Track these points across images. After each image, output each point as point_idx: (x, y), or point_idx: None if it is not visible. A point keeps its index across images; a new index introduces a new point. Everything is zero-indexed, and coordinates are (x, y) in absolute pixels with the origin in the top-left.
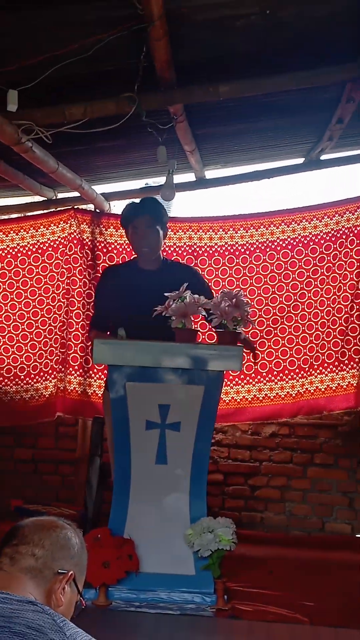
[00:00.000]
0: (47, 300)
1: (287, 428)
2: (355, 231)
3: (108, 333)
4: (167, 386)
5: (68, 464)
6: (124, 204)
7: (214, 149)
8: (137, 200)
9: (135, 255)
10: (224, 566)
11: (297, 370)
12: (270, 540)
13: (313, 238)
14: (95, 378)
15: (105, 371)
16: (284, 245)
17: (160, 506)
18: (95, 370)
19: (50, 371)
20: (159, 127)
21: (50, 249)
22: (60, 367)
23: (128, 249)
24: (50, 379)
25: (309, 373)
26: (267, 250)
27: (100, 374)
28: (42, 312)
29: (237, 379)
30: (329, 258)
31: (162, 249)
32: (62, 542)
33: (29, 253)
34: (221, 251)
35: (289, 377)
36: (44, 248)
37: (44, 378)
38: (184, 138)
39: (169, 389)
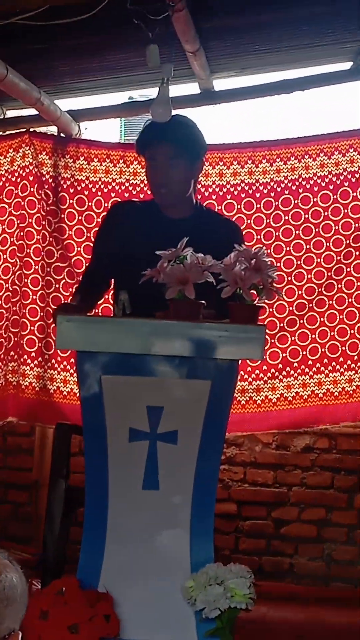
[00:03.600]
0: None
1: (327, 440)
2: None
3: (101, 301)
4: (159, 381)
5: (21, 488)
6: (99, 126)
7: (225, 50)
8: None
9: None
10: (238, 632)
11: (340, 360)
12: (302, 596)
13: None
14: (59, 369)
15: (73, 360)
16: (323, 184)
17: (150, 548)
18: (59, 358)
19: None
20: (150, 17)
21: None
22: (10, 354)
23: (107, 189)
24: None
25: (359, 364)
26: (300, 191)
27: (65, 363)
28: None
29: (257, 371)
30: None
31: (196, 191)
32: (8, 594)
33: None
34: (235, 192)
35: (329, 368)
36: None
37: None
38: (185, 33)
39: (161, 386)
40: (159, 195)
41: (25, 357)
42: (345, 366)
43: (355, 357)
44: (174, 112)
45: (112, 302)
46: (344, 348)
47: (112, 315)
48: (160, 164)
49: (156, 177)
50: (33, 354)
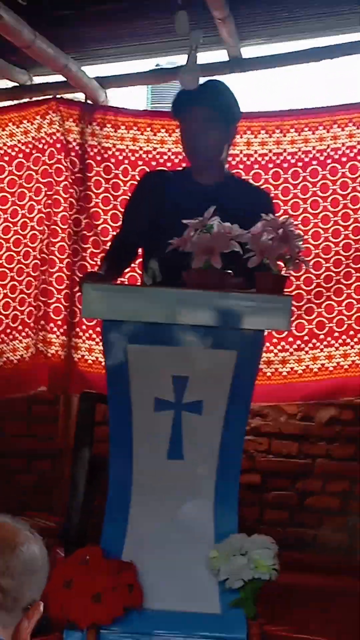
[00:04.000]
0: (15, 228)
1: (352, 412)
2: None
3: (128, 269)
4: (184, 351)
5: (45, 457)
6: (125, 93)
7: (254, 17)
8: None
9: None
10: (262, 602)
11: None
12: (326, 567)
13: None
14: (84, 338)
15: (99, 328)
16: (351, 155)
17: (174, 518)
18: (84, 326)
19: (22, 328)
20: None
21: (20, 155)
22: (37, 323)
23: (134, 157)
24: (21, 338)
25: None
26: (328, 161)
27: (91, 331)
28: (7, 245)
29: (283, 343)
30: None
31: (227, 157)
32: (30, 565)
33: None
34: (263, 162)
35: (355, 340)
36: (12, 154)
37: (11, 337)
38: (214, 0)
39: (187, 355)
40: (193, 158)
41: (52, 325)
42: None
43: None
44: (208, 78)
45: (139, 271)
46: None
47: (140, 283)
48: (195, 127)
49: (191, 140)
50: (59, 322)
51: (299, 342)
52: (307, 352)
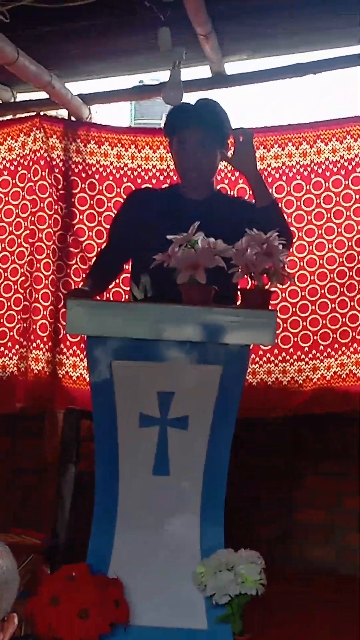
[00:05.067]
0: (3, 245)
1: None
2: None
3: (112, 285)
4: (169, 367)
5: (31, 473)
6: (110, 109)
7: (237, 33)
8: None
9: (178, 181)
10: (248, 617)
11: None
12: (312, 581)
13: None
14: (68, 354)
15: (83, 345)
16: (350, 167)
17: (160, 534)
18: (68, 343)
19: (8, 344)
20: (161, 0)
21: (6, 173)
22: (22, 339)
23: (119, 174)
24: (10, 355)
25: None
26: (327, 173)
27: (75, 347)
28: None
29: (269, 354)
30: None
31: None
32: (3, 578)
33: None
34: (264, 176)
35: (339, 352)
36: None
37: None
38: (196, 16)
39: (172, 371)
40: (187, 178)
41: (39, 341)
42: (351, 349)
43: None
44: (197, 95)
45: (123, 286)
46: (354, 334)
47: (125, 299)
48: (191, 148)
49: (187, 160)
50: (45, 339)
51: (284, 354)
52: (307, 363)
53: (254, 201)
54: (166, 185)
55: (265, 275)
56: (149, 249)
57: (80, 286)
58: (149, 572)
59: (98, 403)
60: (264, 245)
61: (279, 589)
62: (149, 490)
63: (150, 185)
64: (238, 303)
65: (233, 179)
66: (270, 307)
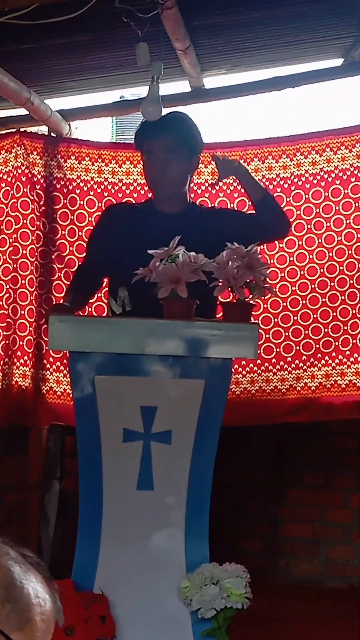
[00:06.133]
0: None
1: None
2: None
3: (94, 299)
4: (152, 381)
5: (15, 490)
6: (91, 125)
7: (215, 47)
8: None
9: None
10: (234, 631)
11: (333, 354)
12: (298, 594)
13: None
14: (51, 370)
15: (66, 360)
16: (345, 178)
17: (145, 549)
18: (51, 358)
19: None
20: (139, 15)
21: None
22: (5, 355)
23: (100, 189)
24: None
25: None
26: (323, 183)
27: (58, 363)
28: None
29: (252, 365)
30: None
31: (190, 187)
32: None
33: None
34: (228, 191)
35: (322, 362)
36: None
37: None
38: (175, 31)
39: (155, 386)
40: (155, 189)
41: (26, 358)
42: (337, 360)
43: (347, 353)
44: (171, 110)
45: (105, 301)
46: (337, 343)
47: (107, 313)
48: (157, 157)
49: (153, 170)
50: (31, 355)
51: (267, 364)
52: (290, 372)
53: (236, 207)
54: (144, 200)
55: (246, 288)
56: (125, 263)
57: (61, 302)
58: (135, 587)
59: (81, 418)
60: (244, 259)
61: (265, 602)
62: (134, 505)
63: (132, 199)
64: (218, 316)
65: (214, 192)
66: (252, 320)
